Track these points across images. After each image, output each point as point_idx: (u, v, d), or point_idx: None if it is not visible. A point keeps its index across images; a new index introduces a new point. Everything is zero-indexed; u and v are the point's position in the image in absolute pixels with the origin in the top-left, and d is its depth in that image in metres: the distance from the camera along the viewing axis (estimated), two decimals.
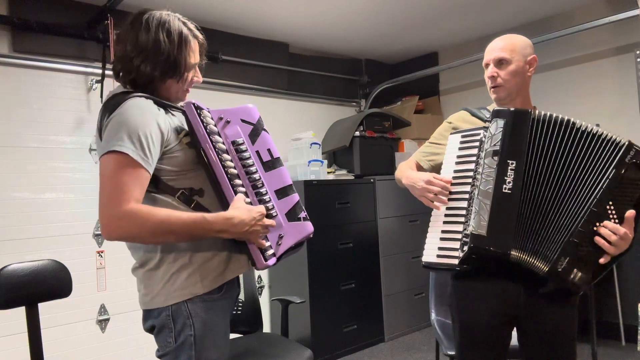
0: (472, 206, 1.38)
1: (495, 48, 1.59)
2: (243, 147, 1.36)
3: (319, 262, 3.40)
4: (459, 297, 1.58)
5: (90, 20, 2.96)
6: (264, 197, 1.35)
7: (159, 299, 1.30)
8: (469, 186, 1.44)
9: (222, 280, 1.34)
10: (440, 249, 1.43)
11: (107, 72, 2.93)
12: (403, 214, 3.95)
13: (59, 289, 1.69)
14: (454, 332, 1.60)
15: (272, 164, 1.40)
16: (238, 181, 1.32)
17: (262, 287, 3.73)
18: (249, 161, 1.36)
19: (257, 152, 1.39)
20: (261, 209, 1.30)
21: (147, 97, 1.30)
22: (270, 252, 1.33)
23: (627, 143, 1.34)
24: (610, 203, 1.33)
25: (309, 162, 3.56)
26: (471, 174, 1.45)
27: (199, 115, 1.30)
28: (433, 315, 2.31)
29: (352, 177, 3.88)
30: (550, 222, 1.37)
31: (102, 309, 2.95)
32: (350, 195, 3.65)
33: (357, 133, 3.86)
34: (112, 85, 2.95)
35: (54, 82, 2.89)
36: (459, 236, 1.41)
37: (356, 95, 4.61)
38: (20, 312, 1.59)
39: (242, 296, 2.41)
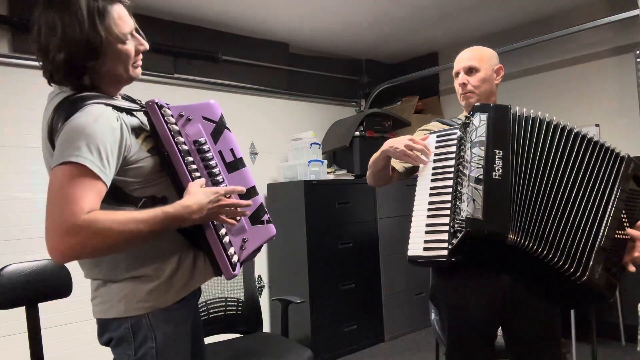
0: (462, 195, 1.36)
1: (465, 58, 1.73)
2: (205, 148, 1.29)
3: (319, 262, 3.40)
4: (445, 295, 1.59)
5: None
6: None
7: (119, 307, 1.21)
8: (450, 181, 1.45)
9: (186, 292, 1.29)
10: (426, 242, 1.43)
11: None
12: (403, 214, 3.95)
13: (59, 289, 1.69)
14: (443, 331, 1.61)
15: (235, 165, 1.34)
16: None
17: (262, 287, 3.73)
18: (212, 162, 1.29)
19: (220, 152, 1.32)
20: (216, 188, 1.23)
21: (106, 104, 1.16)
22: (235, 259, 1.27)
23: (626, 157, 1.37)
24: (624, 212, 1.36)
25: (309, 162, 3.56)
26: (451, 169, 1.47)
27: (163, 115, 1.23)
28: (433, 315, 2.30)
29: (352, 177, 3.88)
30: (556, 214, 1.35)
31: None
32: (350, 195, 3.65)
33: (357, 133, 3.86)
34: None
35: None
36: (445, 228, 1.40)
37: (356, 95, 4.61)
38: (20, 312, 1.59)
39: (242, 296, 2.41)
